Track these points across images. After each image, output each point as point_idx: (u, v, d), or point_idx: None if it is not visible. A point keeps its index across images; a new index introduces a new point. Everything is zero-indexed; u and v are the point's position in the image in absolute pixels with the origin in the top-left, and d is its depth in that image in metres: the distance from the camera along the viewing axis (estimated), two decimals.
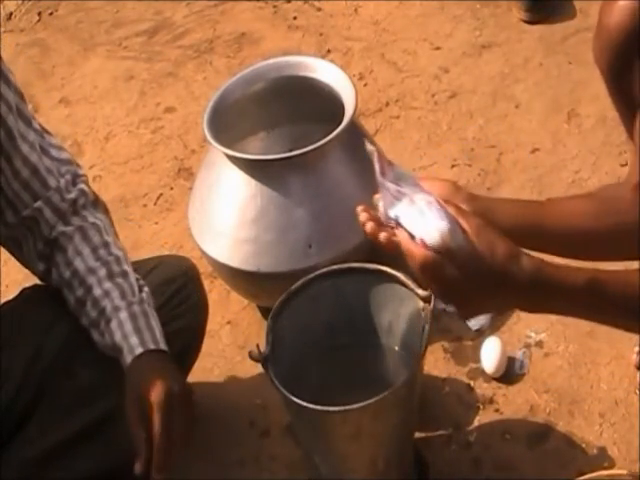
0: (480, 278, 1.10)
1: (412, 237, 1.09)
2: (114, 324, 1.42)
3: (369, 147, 1.19)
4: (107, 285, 1.45)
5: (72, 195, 1.49)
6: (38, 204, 1.46)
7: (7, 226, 1.47)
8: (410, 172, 1.17)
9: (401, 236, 1.11)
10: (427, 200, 1.11)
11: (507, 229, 1.19)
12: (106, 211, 1.56)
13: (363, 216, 1.17)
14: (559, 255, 1.35)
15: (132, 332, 1.41)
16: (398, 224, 1.12)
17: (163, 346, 1.43)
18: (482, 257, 1.08)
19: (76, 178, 1.51)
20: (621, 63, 1.41)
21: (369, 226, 1.16)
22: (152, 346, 1.41)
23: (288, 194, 1.76)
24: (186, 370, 1.65)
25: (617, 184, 1.41)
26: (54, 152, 1.49)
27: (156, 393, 1.34)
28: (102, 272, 1.46)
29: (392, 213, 1.13)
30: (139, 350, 1.40)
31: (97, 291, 1.45)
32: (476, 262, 1.08)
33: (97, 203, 1.54)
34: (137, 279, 1.49)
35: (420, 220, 1.10)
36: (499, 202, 1.32)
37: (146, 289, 1.49)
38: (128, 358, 1.40)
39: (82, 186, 1.51)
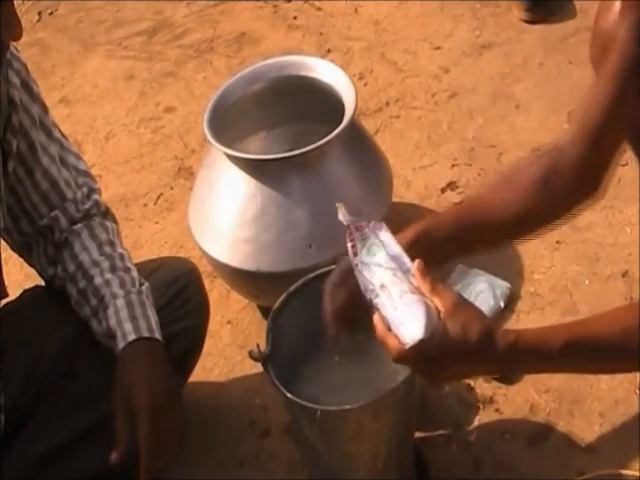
0: (454, 359, 1.14)
1: (388, 326, 1.15)
2: (111, 310, 1.43)
3: (342, 218, 1.23)
4: (108, 276, 1.47)
5: (86, 206, 1.52)
6: (54, 213, 1.48)
7: (22, 234, 1.50)
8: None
9: (376, 321, 1.17)
10: (400, 290, 1.15)
11: (450, 238, 1.29)
12: (115, 222, 1.58)
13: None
14: (505, 239, 1.41)
15: (127, 319, 1.42)
16: (372, 305, 1.18)
17: (158, 335, 1.43)
18: (456, 340, 1.12)
19: (91, 192, 1.54)
20: None
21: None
22: (146, 334, 1.41)
23: (288, 194, 1.76)
24: (187, 372, 1.66)
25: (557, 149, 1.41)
26: (73, 160, 1.52)
27: (142, 396, 1.35)
28: (105, 265, 1.48)
29: (367, 295, 1.19)
30: (132, 337, 1.40)
31: (98, 280, 1.46)
32: (450, 347, 1.13)
33: (107, 214, 1.57)
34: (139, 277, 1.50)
35: (394, 315, 1.15)
36: (437, 218, 1.40)
37: (146, 284, 1.50)
38: (121, 344, 1.40)
39: (96, 197, 1.54)
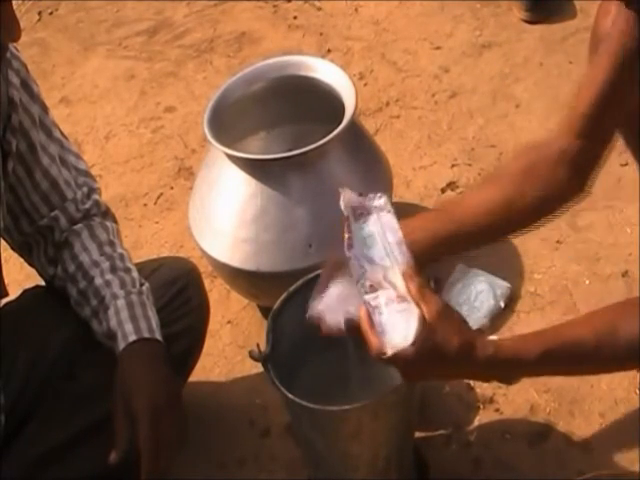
0: (432, 367, 1.17)
1: (371, 321, 1.17)
2: (111, 311, 1.43)
3: (343, 207, 1.24)
4: (109, 276, 1.47)
5: (86, 206, 1.52)
6: (54, 213, 1.48)
7: (22, 234, 1.50)
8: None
9: (362, 314, 1.18)
10: (388, 297, 1.17)
11: (427, 249, 1.28)
12: (115, 221, 1.58)
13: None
14: (481, 245, 1.41)
15: (127, 319, 1.42)
16: (361, 297, 1.19)
17: (158, 336, 1.43)
18: (435, 352, 1.14)
19: (91, 191, 1.54)
20: None
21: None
22: (147, 335, 1.41)
23: (288, 194, 1.76)
24: (187, 372, 1.66)
25: (542, 145, 1.40)
26: (73, 160, 1.52)
27: (142, 399, 1.35)
28: (105, 265, 1.48)
29: (357, 287, 1.20)
30: (132, 337, 1.40)
31: (98, 281, 1.46)
32: (429, 356, 1.14)
33: (107, 213, 1.57)
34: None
35: (379, 320, 1.16)
36: (413, 223, 1.35)
37: (147, 285, 1.50)
38: (121, 344, 1.40)
39: (96, 197, 1.54)
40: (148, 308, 1.46)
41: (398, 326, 1.15)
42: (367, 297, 1.18)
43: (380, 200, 1.25)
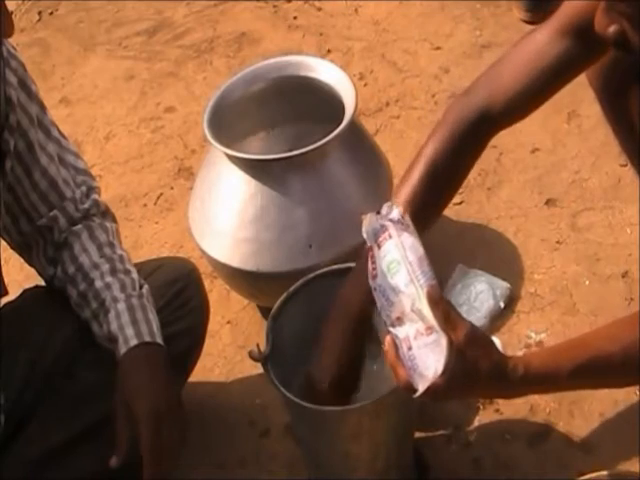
0: (462, 391, 1.19)
1: (397, 352, 1.17)
2: (112, 314, 1.43)
3: (366, 236, 1.23)
4: (109, 279, 1.46)
5: (85, 205, 1.52)
6: (53, 213, 1.48)
7: (21, 234, 1.50)
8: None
9: (388, 345, 1.18)
10: (416, 330, 1.15)
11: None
12: (114, 221, 1.57)
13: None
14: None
15: (129, 323, 1.42)
16: (386, 327, 1.19)
17: (159, 340, 1.43)
18: (466, 378, 1.15)
19: (90, 190, 1.53)
20: (616, 87, 1.44)
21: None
22: (148, 339, 1.41)
23: (288, 194, 1.76)
24: (187, 372, 1.66)
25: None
26: (71, 159, 1.52)
27: (143, 404, 1.35)
28: (105, 267, 1.47)
29: (383, 317, 1.19)
30: (134, 342, 1.40)
31: (99, 283, 1.46)
32: (459, 383, 1.15)
33: (107, 213, 1.57)
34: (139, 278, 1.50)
35: (407, 354, 1.16)
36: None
37: (146, 286, 1.49)
38: (122, 349, 1.40)
39: (95, 196, 1.54)
40: (149, 311, 1.45)
41: (428, 360, 1.14)
42: (394, 330, 1.17)
43: (395, 211, 1.21)
